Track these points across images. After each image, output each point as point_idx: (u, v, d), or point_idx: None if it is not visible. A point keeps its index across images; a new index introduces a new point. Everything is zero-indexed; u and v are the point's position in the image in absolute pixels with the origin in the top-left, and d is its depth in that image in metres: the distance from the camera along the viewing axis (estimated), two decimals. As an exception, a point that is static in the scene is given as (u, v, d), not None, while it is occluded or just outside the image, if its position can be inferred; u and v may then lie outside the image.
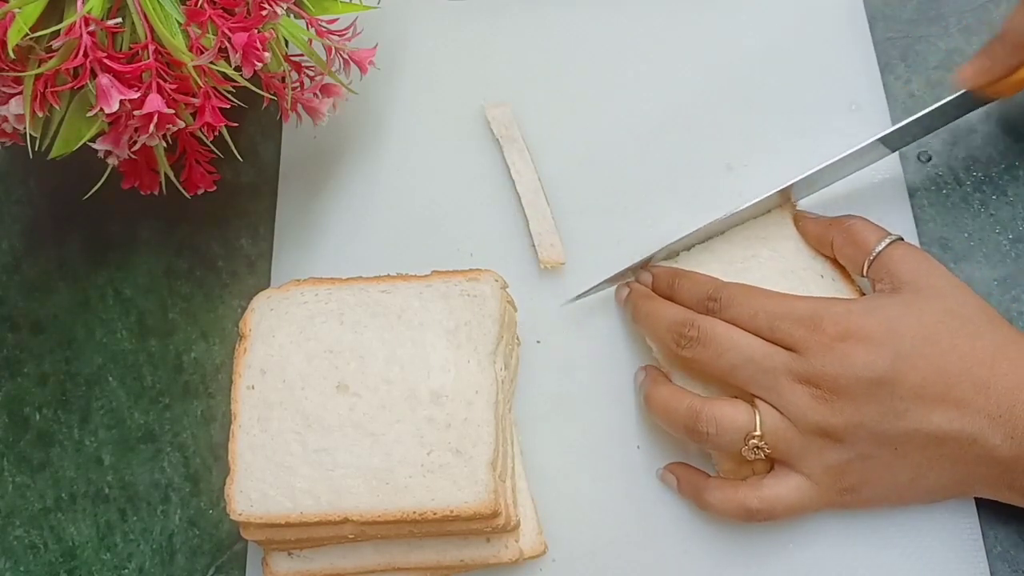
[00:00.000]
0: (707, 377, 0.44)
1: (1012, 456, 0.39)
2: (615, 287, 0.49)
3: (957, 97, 0.46)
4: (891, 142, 0.47)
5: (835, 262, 0.47)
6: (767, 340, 0.42)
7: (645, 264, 0.48)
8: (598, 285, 0.48)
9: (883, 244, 0.44)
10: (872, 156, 0.48)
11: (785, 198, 0.48)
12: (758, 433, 0.41)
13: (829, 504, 0.43)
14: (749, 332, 0.42)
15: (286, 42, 0.46)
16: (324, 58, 0.47)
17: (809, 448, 0.41)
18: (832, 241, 0.46)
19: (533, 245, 0.50)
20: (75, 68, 0.41)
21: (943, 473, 0.41)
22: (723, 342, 0.42)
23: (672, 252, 0.48)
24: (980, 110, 0.48)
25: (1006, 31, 0.45)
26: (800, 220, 0.48)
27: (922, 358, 0.40)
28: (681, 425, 0.43)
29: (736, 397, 0.43)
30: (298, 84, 0.48)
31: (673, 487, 0.45)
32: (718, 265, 0.47)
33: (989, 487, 0.41)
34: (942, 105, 0.46)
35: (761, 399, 0.42)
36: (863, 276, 0.45)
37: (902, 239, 0.44)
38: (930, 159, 0.51)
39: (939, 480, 0.41)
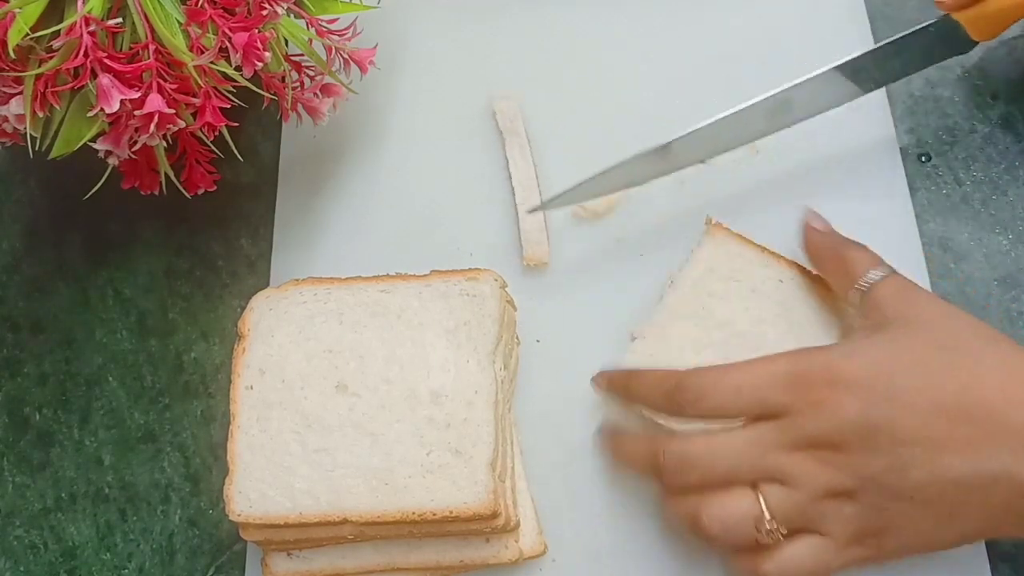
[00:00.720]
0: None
1: None
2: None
3: (936, 27, 0.46)
4: (859, 75, 0.46)
5: (788, 263, 0.46)
6: (754, 416, 0.39)
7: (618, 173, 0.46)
8: (568, 192, 0.46)
9: (874, 276, 0.41)
10: (843, 91, 0.47)
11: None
12: (768, 516, 0.38)
13: (852, 560, 0.39)
14: (731, 416, 0.39)
15: (286, 42, 0.46)
16: (324, 58, 0.47)
17: (824, 512, 0.38)
18: (826, 264, 0.44)
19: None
20: (75, 68, 0.41)
21: (970, 518, 0.37)
22: (706, 460, 0.39)
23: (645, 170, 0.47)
24: (981, 110, 0.48)
25: None
26: (808, 229, 0.45)
27: (917, 394, 0.37)
28: (691, 531, 0.40)
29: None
30: (298, 84, 0.48)
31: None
32: (669, 318, 0.45)
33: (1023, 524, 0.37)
34: (916, 33, 0.46)
35: (763, 482, 0.39)
36: (847, 305, 0.43)
37: (896, 272, 0.41)
38: (930, 159, 0.51)
39: (967, 525, 0.37)
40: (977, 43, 0.47)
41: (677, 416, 0.41)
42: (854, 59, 0.46)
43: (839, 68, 0.46)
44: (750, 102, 0.46)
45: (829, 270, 0.44)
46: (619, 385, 0.44)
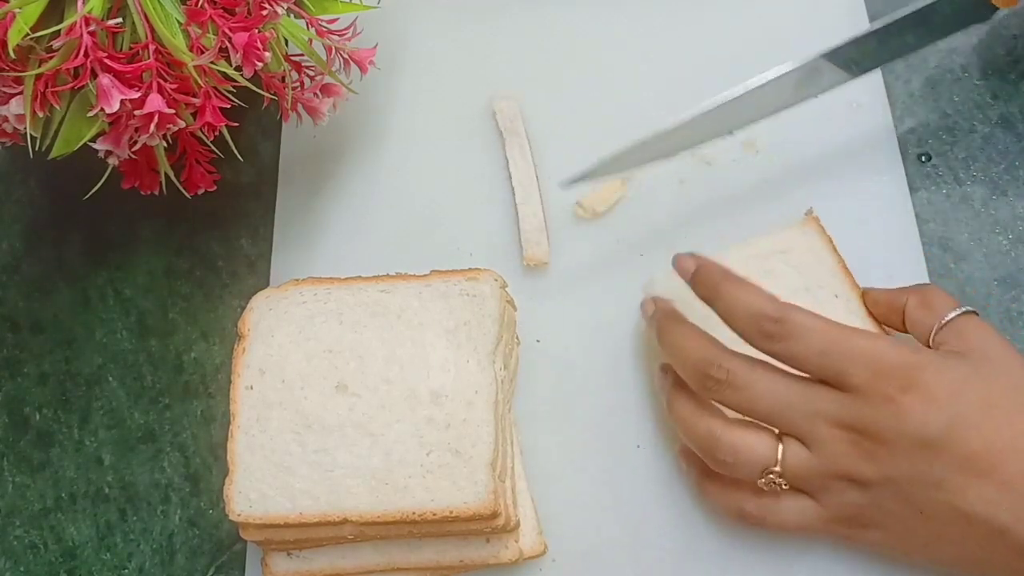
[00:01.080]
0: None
1: None
2: (643, 299, 0.45)
3: None
4: (887, 42, 0.45)
5: (853, 284, 0.45)
6: (820, 378, 0.39)
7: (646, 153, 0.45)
8: (596, 167, 0.46)
9: (957, 312, 0.41)
10: (870, 57, 0.46)
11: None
12: (777, 469, 0.39)
13: (829, 533, 0.41)
14: (807, 370, 0.39)
15: (286, 42, 0.46)
16: (324, 58, 0.47)
17: (830, 487, 0.39)
18: (905, 303, 0.43)
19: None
20: (76, 68, 0.41)
21: (962, 551, 0.38)
22: (759, 388, 0.39)
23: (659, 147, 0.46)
24: (981, 110, 0.48)
25: None
26: (868, 293, 0.45)
27: (975, 429, 0.37)
28: (698, 446, 0.41)
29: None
30: (298, 84, 0.48)
31: (682, 469, 0.44)
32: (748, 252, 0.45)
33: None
34: (940, 1, 0.44)
35: (791, 436, 0.39)
36: (929, 344, 0.42)
37: (976, 313, 0.42)
38: (930, 159, 0.51)
39: (955, 554, 0.39)
40: (997, 9, 0.45)
41: (755, 344, 0.40)
42: (883, 27, 0.45)
43: (868, 35, 0.45)
44: (780, 70, 0.45)
45: (912, 311, 0.43)
46: (709, 280, 0.41)
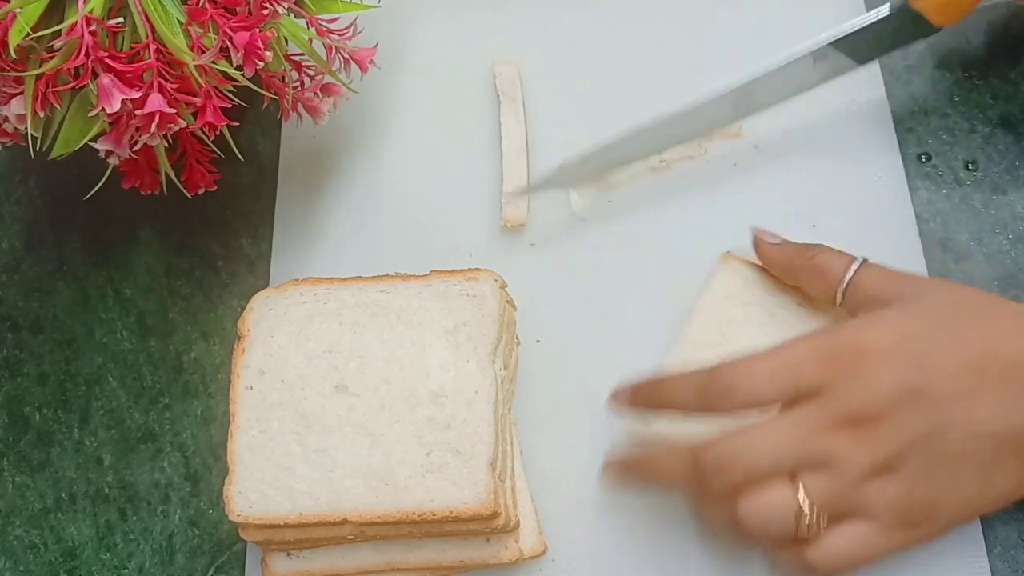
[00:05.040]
0: None
1: None
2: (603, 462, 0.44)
3: (896, 13, 0.46)
4: (846, 53, 0.46)
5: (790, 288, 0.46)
6: (789, 399, 0.38)
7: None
8: (592, 153, 0.48)
9: (852, 270, 0.42)
10: (824, 70, 0.47)
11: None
12: (808, 511, 0.37)
13: (903, 543, 0.38)
14: (767, 401, 0.38)
15: (287, 41, 0.46)
16: (324, 57, 0.47)
17: (868, 495, 0.37)
18: (799, 276, 0.44)
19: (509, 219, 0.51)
20: (76, 68, 0.41)
21: (1010, 473, 0.38)
22: (745, 453, 0.38)
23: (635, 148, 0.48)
24: (981, 110, 0.48)
25: None
26: (761, 247, 0.45)
27: (944, 355, 0.37)
28: (738, 534, 0.39)
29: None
30: (298, 83, 0.48)
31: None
32: (691, 349, 0.45)
33: None
34: (885, 18, 0.46)
35: (804, 470, 0.38)
36: (837, 307, 0.42)
37: (867, 260, 0.42)
38: (930, 159, 0.51)
39: (1007, 482, 0.38)
40: (940, 28, 0.46)
41: (711, 413, 0.39)
42: (824, 47, 0.46)
43: (812, 54, 0.47)
44: (776, 60, 0.47)
45: (805, 279, 0.44)
46: (645, 394, 0.42)
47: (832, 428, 0.37)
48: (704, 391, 0.39)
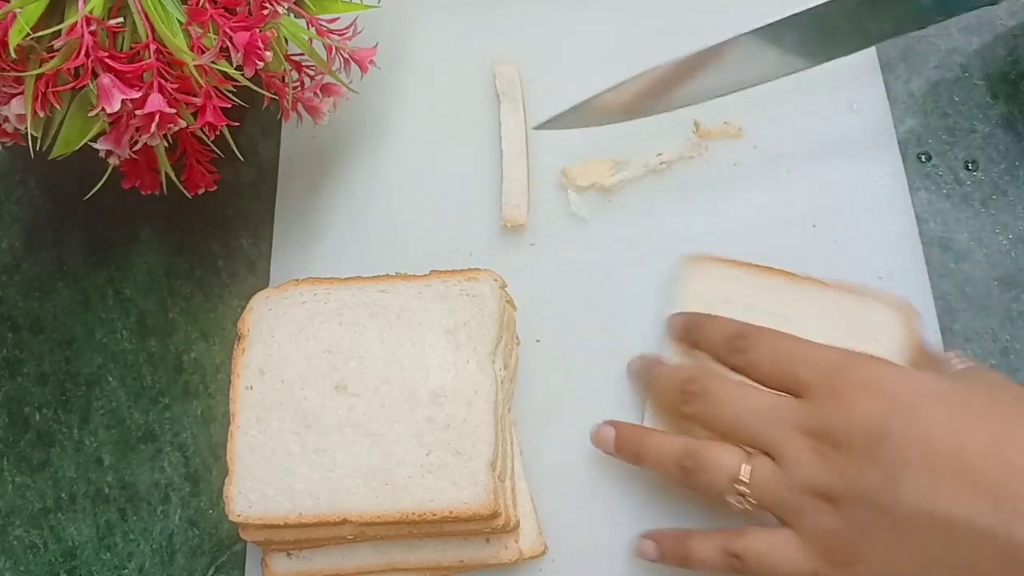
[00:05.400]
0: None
1: None
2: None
3: None
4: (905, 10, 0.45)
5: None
6: (783, 387, 0.40)
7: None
8: (569, 111, 0.48)
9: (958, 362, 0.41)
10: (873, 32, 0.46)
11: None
12: (745, 479, 0.39)
13: (815, 573, 0.38)
14: (767, 377, 0.40)
15: (287, 41, 0.46)
16: (324, 57, 0.47)
17: (802, 507, 0.38)
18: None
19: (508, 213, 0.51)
20: (76, 68, 0.41)
21: (953, 571, 0.35)
22: (724, 396, 0.41)
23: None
24: (981, 110, 0.48)
25: None
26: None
27: (944, 430, 0.35)
28: (672, 464, 0.41)
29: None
30: (298, 83, 0.48)
31: (652, 555, 0.43)
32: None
33: None
34: None
35: (759, 451, 0.39)
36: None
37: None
38: (930, 159, 0.51)
39: None
40: None
41: (726, 362, 0.42)
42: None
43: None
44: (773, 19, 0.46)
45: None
46: (693, 324, 0.45)
47: (800, 430, 0.38)
48: (731, 341, 0.42)
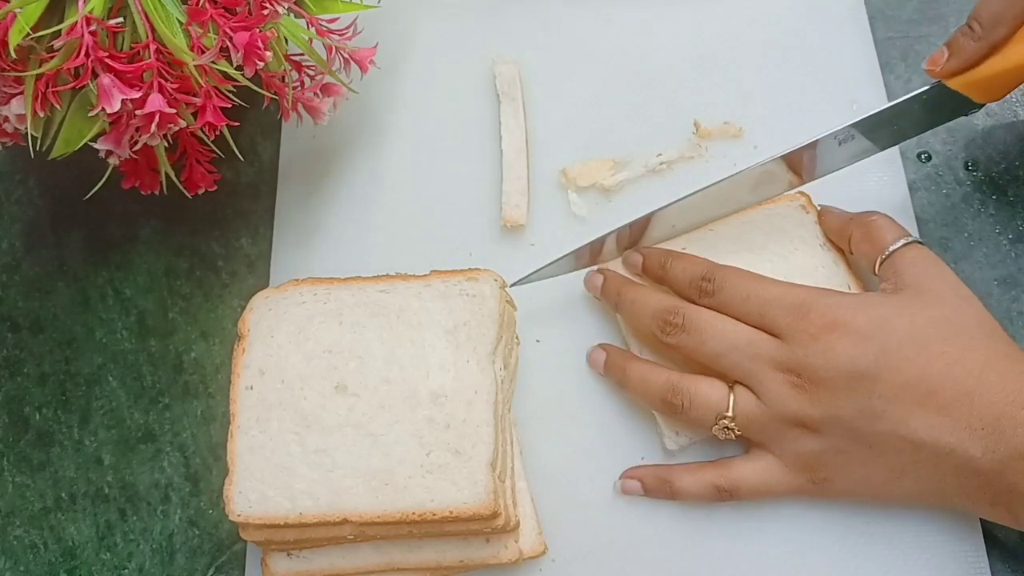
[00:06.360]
0: (688, 366, 0.44)
1: (992, 470, 0.38)
2: (588, 271, 0.48)
3: (933, 91, 0.44)
4: (877, 135, 0.46)
5: (847, 259, 0.47)
6: (755, 325, 0.42)
7: (616, 244, 0.48)
8: (553, 263, 0.48)
9: (898, 244, 0.43)
10: (856, 149, 0.46)
11: (793, 170, 0.47)
12: (730, 414, 0.42)
13: (799, 490, 0.43)
14: (738, 317, 0.43)
15: (287, 41, 0.46)
16: (324, 57, 0.47)
17: (784, 435, 0.42)
18: (851, 235, 0.45)
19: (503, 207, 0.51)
20: (76, 68, 0.41)
21: (919, 480, 0.41)
22: (707, 329, 0.43)
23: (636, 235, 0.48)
24: (981, 110, 0.48)
25: (973, 15, 0.43)
26: (823, 214, 0.48)
27: (906, 360, 0.40)
28: (657, 397, 0.44)
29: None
30: (298, 83, 0.48)
31: (638, 492, 0.45)
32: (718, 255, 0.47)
33: (970, 501, 0.40)
34: (919, 95, 0.44)
35: (740, 384, 0.42)
36: (875, 274, 0.44)
37: (920, 242, 0.44)
38: (930, 159, 0.51)
39: (915, 486, 0.41)
40: (983, 105, 0.44)
41: (697, 302, 0.44)
42: (849, 127, 0.45)
43: (835, 135, 0.46)
44: (739, 171, 0.46)
45: (855, 241, 0.45)
46: (657, 262, 0.46)
47: (779, 368, 0.41)
48: (697, 281, 0.44)
